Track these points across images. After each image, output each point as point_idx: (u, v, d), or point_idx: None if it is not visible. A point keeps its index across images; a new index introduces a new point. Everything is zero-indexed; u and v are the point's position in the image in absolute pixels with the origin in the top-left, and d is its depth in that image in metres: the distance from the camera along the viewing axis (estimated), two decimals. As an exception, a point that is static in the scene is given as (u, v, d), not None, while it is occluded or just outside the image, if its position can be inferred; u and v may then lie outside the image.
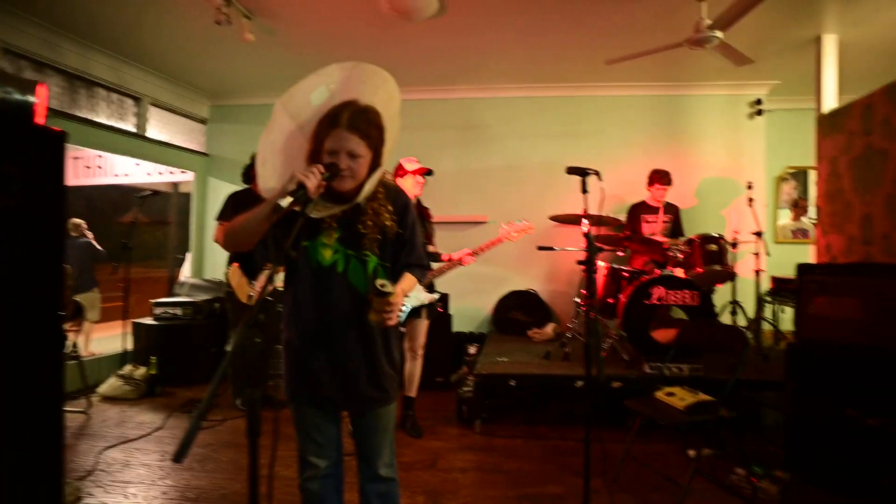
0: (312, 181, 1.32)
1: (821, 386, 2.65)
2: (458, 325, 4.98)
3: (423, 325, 3.34)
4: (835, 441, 2.56)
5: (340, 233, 1.54)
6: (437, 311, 3.60)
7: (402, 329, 3.18)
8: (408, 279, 1.60)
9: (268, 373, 3.64)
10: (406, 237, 1.62)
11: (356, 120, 1.45)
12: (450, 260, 3.30)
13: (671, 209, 4.54)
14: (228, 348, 1.11)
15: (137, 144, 4.94)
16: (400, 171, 3.27)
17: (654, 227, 4.45)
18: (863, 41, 4.10)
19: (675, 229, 4.53)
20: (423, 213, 3.40)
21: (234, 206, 3.45)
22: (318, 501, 1.62)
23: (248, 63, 4.75)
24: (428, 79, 5.14)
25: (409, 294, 1.66)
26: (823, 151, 3.79)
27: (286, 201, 1.29)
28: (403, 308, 2.96)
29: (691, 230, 4.42)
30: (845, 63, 4.16)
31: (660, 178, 4.44)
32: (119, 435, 3.30)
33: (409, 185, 3.22)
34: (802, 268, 2.91)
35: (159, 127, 5.26)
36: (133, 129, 4.92)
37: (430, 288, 3.29)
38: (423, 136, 5.35)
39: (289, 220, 1.33)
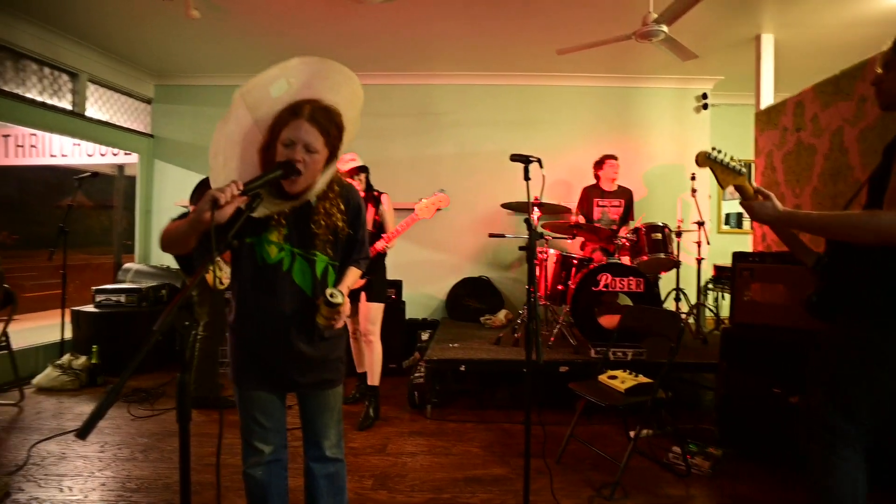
0: (227, 195, 1.26)
1: (751, 367, 2.83)
2: (412, 312, 5.00)
3: (366, 307, 3.25)
4: (762, 417, 2.74)
5: (288, 231, 1.51)
6: (389, 297, 3.53)
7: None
8: (353, 273, 1.66)
9: (217, 362, 3.56)
10: (358, 238, 1.65)
11: (318, 114, 1.43)
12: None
13: (624, 193, 4.62)
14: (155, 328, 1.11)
15: (75, 123, 4.68)
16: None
17: (603, 212, 4.55)
18: (796, 41, 4.32)
19: (626, 214, 4.59)
20: (373, 200, 3.32)
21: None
22: (263, 488, 1.60)
23: (195, 41, 4.56)
24: (380, 63, 5.07)
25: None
26: (761, 146, 3.98)
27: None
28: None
29: (643, 217, 4.55)
30: (781, 62, 4.38)
31: (609, 156, 4.53)
32: (55, 427, 3.16)
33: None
34: (737, 256, 3.07)
35: (100, 105, 4.99)
36: (69, 107, 4.65)
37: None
38: (377, 122, 5.29)
39: (233, 218, 1.31)
